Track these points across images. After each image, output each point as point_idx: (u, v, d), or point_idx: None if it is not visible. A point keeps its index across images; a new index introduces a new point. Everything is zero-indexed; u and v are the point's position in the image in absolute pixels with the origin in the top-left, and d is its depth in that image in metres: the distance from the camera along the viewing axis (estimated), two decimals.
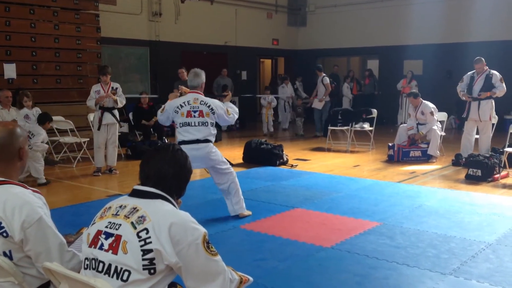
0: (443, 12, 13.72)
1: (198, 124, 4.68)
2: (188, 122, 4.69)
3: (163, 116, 4.84)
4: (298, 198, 5.88)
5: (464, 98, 8.07)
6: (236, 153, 9.31)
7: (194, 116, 4.67)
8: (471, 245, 4.22)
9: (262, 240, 4.44)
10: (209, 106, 4.69)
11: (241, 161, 8.52)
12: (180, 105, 4.73)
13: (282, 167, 8.06)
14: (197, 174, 7.61)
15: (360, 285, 3.46)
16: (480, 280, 3.49)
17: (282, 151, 8.39)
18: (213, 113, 4.71)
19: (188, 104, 4.71)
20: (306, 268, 3.75)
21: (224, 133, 12.74)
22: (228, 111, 4.82)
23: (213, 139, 4.77)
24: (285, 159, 8.29)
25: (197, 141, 4.66)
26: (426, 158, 8.45)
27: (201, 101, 4.71)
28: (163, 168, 2.02)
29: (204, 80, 4.87)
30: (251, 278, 2.14)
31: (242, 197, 5.05)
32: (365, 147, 10.09)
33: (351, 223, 4.90)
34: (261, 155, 8.23)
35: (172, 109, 4.77)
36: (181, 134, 4.74)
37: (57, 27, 9.32)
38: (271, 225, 4.80)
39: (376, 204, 5.57)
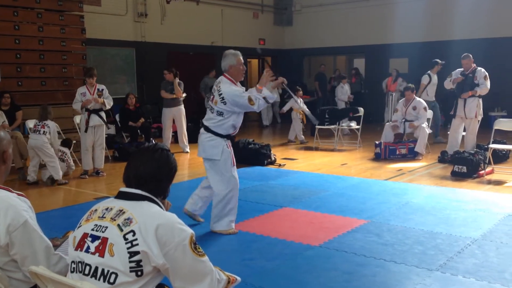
0: (427, 11, 13.84)
1: (209, 108, 4.42)
2: (207, 104, 4.56)
3: None
4: (286, 198, 5.90)
5: (451, 85, 8.01)
6: None
7: (209, 99, 4.47)
8: (457, 241, 4.27)
9: (250, 240, 4.45)
10: (220, 94, 4.29)
11: None
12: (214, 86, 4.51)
13: (270, 166, 8.07)
14: (185, 175, 7.61)
15: (348, 282, 3.48)
16: (466, 275, 3.54)
17: (270, 150, 8.41)
18: (224, 103, 4.28)
19: (214, 86, 4.48)
20: (295, 267, 3.77)
21: None
22: (252, 99, 4.22)
23: (216, 130, 4.38)
24: (273, 158, 8.31)
25: (203, 126, 4.46)
26: (412, 155, 8.53)
27: (219, 86, 4.36)
28: (140, 169, 2.02)
29: (231, 63, 4.37)
30: (238, 278, 2.15)
31: (223, 214, 4.51)
32: (353, 146, 10.15)
33: (339, 221, 4.93)
34: (249, 155, 8.24)
35: None
36: None
37: (41, 29, 9.24)
38: (259, 225, 4.81)
39: (363, 202, 5.61)
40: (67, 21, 9.65)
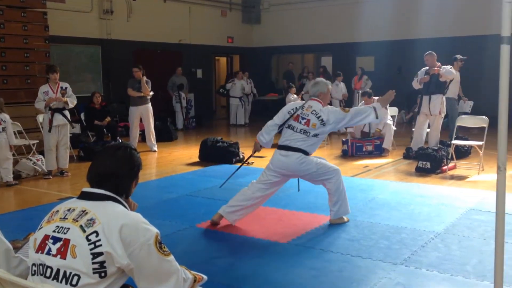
0: (393, 10, 14.07)
1: (300, 131, 4.52)
2: (293, 126, 4.56)
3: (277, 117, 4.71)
4: None
5: (419, 85, 8.16)
6: (192, 151, 9.26)
7: (300, 123, 4.53)
8: (421, 235, 4.37)
9: (218, 238, 4.45)
10: (319, 117, 4.48)
11: (197, 159, 8.48)
12: (296, 107, 4.62)
13: (239, 164, 8.05)
14: (152, 174, 7.54)
15: (315, 278, 3.52)
16: (429, 268, 3.62)
17: (238, 148, 8.41)
18: (323, 125, 4.49)
19: (301, 109, 4.58)
20: (262, 264, 3.78)
21: (180, 132, 12.64)
22: (345, 108, 4.60)
23: (309, 150, 4.58)
24: (241, 156, 8.32)
25: (288, 147, 4.53)
26: (379, 152, 8.69)
27: (313, 110, 4.53)
28: (101, 168, 2.00)
29: (322, 90, 4.65)
30: (205, 277, 2.14)
31: (341, 200, 4.69)
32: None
33: (307, 218, 4.98)
34: (217, 153, 8.22)
35: (286, 110, 4.66)
36: (281, 136, 4.69)
37: (2, 26, 8.96)
38: (227, 223, 4.79)
39: None
40: (30, 18, 9.39)
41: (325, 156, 8.87)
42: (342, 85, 12.81)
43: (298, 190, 5.20)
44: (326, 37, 15.47)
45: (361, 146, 8.73)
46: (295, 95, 11.14)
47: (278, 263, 3.81)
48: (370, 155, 8.64)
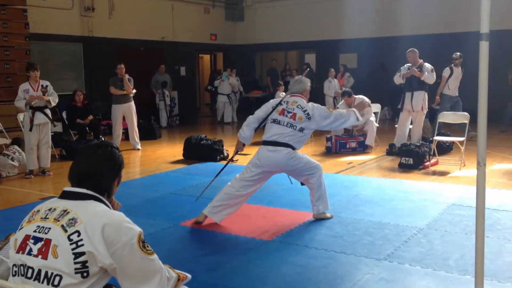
0: (376, 7, 14.16)
1: (286, 124, 4.56)
2: (278, 120, 4.61)
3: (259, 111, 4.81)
4: None
5: (400, 80, 8.25)
6: (176, 149, 9.22)
7: (286, 116, 4.59)
8: (404, 230, 4.41)
9: (202, 236, 4.44)
10: (305, 111, 4.58)
11: (181, 157, 8.45)
12: (280, 103, 4.70)
13: (223, 162, 8.05)
14: (136, 173, 7.49)
15: (300, 275, 3.53)
16: (412, 263, 3.66)
17: (223, 146, 8.40)
18: (308, 119, 4.57)
19: (286, 104, 4.67)
20: (246, 262, 3.78)
21: (164, 130, 12.57)
22: (330, 108, 4.80)
23: (297, 146, 4.60)
24: (225, 154, 8.30)
25: (276, 143, 4.54)
26: (362, 148, 8.75)
27: (298, 105, 4.63)
28: (82, 166, 1.98)
29: (306, 88, 4.82)
30: (189, 275, 2.13)
31: (323, 195, 4.75)
32: None
33: (291, 215, 5.00)
34: (201, 151, 8.20)
35: (271, 104, 4.77)
36: (266, 131, 4.71)
37: None
38: (211, 221, 4.78)
39: None
40: (10, 15, 9.26)
41: (308, 153, 8.91)
42: (335, 81, 12.80)
43: (291, 183, 5.19)
44: (309, 34, 15.51)
45: (344, 143, 8.78)
46: (283, 93, 11.09)
47: (262, 260, 3.82)
48: (354, 151, 8.70)
